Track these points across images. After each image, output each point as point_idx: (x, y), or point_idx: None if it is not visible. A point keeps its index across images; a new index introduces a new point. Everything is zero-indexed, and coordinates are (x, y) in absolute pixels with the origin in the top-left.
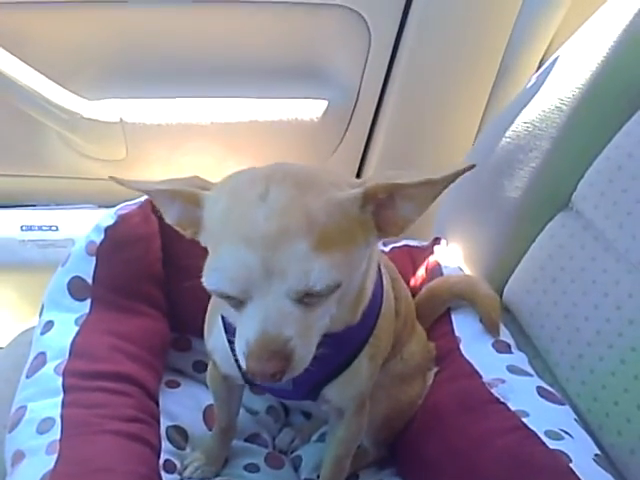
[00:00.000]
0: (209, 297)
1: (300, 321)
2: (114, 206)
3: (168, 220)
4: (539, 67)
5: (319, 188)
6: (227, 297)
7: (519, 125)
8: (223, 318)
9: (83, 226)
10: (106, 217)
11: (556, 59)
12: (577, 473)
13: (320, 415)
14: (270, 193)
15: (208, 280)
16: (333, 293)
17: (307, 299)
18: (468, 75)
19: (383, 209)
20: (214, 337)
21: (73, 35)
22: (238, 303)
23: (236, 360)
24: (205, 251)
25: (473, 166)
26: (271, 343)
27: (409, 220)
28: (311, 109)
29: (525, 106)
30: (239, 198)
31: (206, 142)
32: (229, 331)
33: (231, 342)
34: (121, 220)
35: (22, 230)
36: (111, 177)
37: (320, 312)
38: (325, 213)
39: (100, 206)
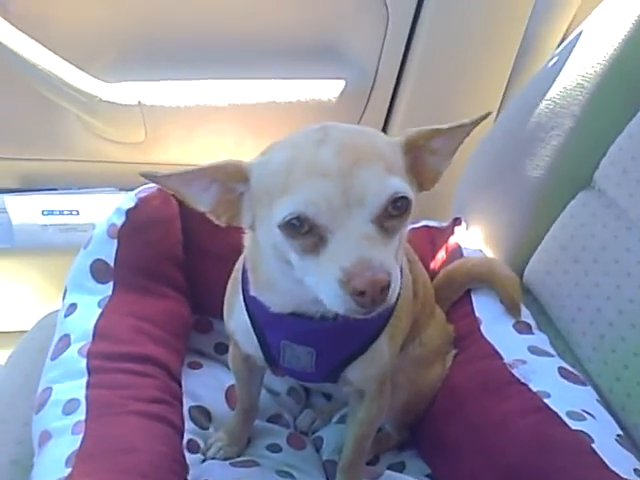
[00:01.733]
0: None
1: (385, 246)
2: (134, 189)
3: (202, 208)
4: (561, 43)
5: (370, 132)
6: (304, 234)
7: (541, 103)
8: (245, 298)
9: (104, 210)
10: (127, 200)
11: (579, 35)
12: (599, 453)
13: (341, 396)
14: (330, 136)
15: (284, 209)
16: (405, 216)
17: (386, 223)
18: (489, 52)
19: (416, 163)
20: (235, 317)
21: (92, 18)
22: (317, 241)
23: (258, 340)
24: (230, 234)
25: (489, 114)
26: (370, 261)
27: (438, 173)
28: (329, 89)
29: (547, 83)
30: (299, 146)
31: (224, 123)
32: (252, 312)
33: (254, 322)
34: (142, 202)
35: (43, 215)
36: (142, 173)
37: (396, 240)
38: (385, 147)
39: (120, 189)
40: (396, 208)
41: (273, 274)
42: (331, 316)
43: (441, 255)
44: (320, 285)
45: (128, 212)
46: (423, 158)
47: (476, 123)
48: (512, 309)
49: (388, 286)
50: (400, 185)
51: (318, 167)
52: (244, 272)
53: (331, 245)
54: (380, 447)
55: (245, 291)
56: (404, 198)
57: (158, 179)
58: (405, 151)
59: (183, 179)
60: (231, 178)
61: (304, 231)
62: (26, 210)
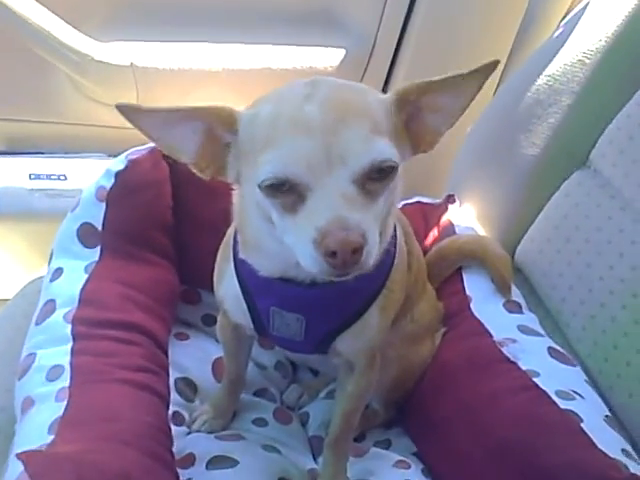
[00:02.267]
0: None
1: (365, 208)
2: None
3: (186, 158)
4: (564, 17)
5: (360, 89)
6: (284, 192)
7: (540, 79)
8: (236, 265)
9: (92, 176)
10: (117, 162)
11: (581, 10)
12: (588, 433)
13: (328, 372)
14: (318, 91)
15: (265, 170)
16: (389, 179)
17: (368, 185)
18: (490, 24)
19: (413, 121)
20: (225, 285)
21: None
22: (296, 199)
23: (248, 307)
24: (221, 200)
25: (496, 62)
26: (345, 223)
27: (438, 134)
28: (326, 57)
29: (547, 59)
30: (286, 100)
31: (218, 88)
32: (242, 278)
33: (244, 289)
34: (132, 165)
35: (30, 179)
36: (118, 105)
37: (378, 204)
38: (373, 105)
39: (110, 155)
40: (380, 171)
41: (259, 234)
42: (320, 281)
43: (433, 232)
44: (297, 245)
45: (117, 174)
46: (422, 116)
47: (480, 74)
48: (502, 288)
49: (361, 248)
50: (385, 149)
51: (302, 122)
52: (235, 235)
53: (309, 203)
54: (367, 424)
55: (235, 255)
56: (388, 162)
57: (136, 114)
58: (398, 108)
59: (168, 118)
60: (221, 123)
61: (284, 189)
62: (12, 174)
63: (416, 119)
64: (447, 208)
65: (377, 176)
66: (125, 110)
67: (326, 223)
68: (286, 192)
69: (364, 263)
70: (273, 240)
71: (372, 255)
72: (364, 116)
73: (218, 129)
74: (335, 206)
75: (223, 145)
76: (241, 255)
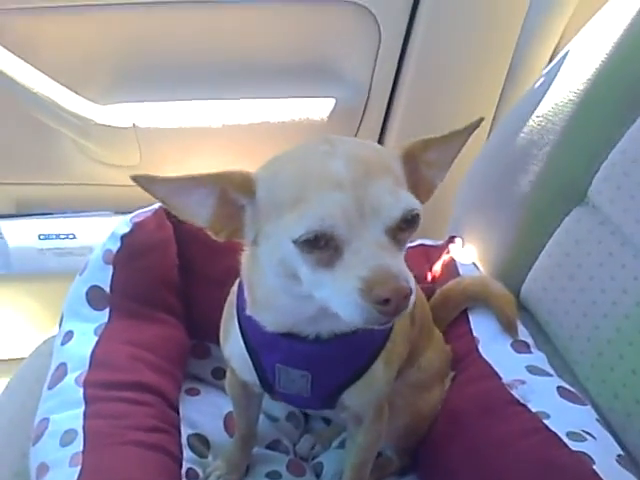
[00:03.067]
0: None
1: (398, 257)
2: (130, 211)
3: (201, 222)
4: (551, 60)
5: (370, 145)
6: (320, 248)
7: (532, 120)
8: (240, 322)
9: (100, 233)
10: (121, 225)
11: (567, 52)
12: (600, 475)
13: (340, 421)
14: (337, 148)
15: (300, 226)
16: (414, 227)
17: (398, 235)
18: (480, 70)
19: (412, 174)
20: (231, 343)
21: (84, 40)
22: (333, 253)
23: (254, 365)
24: (226, 257)
25: (482, 119)
26: (390, 272)
27: (433, 185)
28: (323, 108)
29: (537, 100)
30: (308, 158)
31: (219, 144)
32: (247, 336)
33: (249, 347)
34: (137, 227)
35: (40, 239)
36: (133, 177)
37: (404, 253)
38: (389, 160)
39: (116, 212)
40: (407, 221)
41: (272, 291)
42: (325, 337)
43: (436, 269)
44: (336, 297)
45: (123, 237)
46: (419, 170)
47: (469, 130)
48: (508, 328)
49: (411, 293)
50: (411, 199)
51: (331, 179)
52: (240, 293)
53: (347, 256)
54: (381, 472)
55: (240, 313)
56: (416, 211)
57: (151, 184)
58: (403, 163)
59: (182, 186)
60: (237, 188)
61: (321, 245)
62: (22, 235)
63: (414, 173)
64: (449, 249)
65: (405, 226)
66: (140, 181)
67: (371, 272)
68: (322, 248)
69: (410, 304)
70: (289, 296)
71: (414, 297)
72: (386, 170)
73: (232, 193)
74: (376, 255)
75: (238, 208)
76: (248, 312)
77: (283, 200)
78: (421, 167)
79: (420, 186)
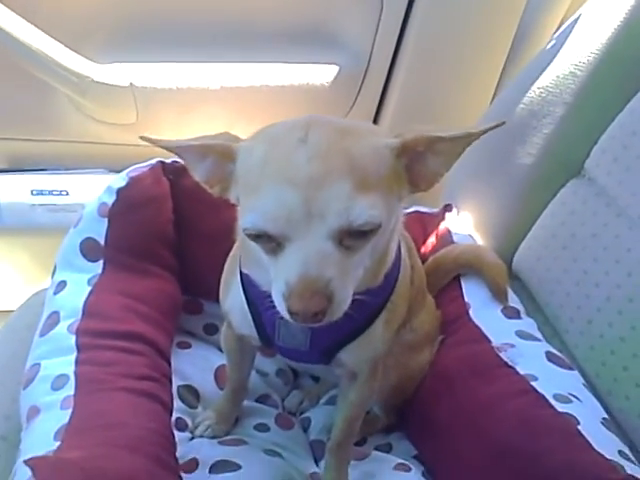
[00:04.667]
0: (222, 260)
1: (340, 264)
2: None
3: (197, 177)
4: (556, 31)
5: (358, 134)
6: (265, 239)
7: (533, 90)
8: (242, 277)
9: (93, 191)
10: (118, 179)
11: (572, 23)
12: (585, 435)
13: (329, 378)
14: (310, 136)
15: (247, 219)
16: (371, 236)
17: (347, 241)
18: (484, 38)
19: (414, 163)
20: (231, 298)
21: None
22: (275, 246)
23: (254, 319)
24: (221, 214)
25: (504, 123)
26: (312, 283)
27: (438, 174)
28: (322, 74)
29: (540, 71)
30: (279, 143)
31: (216, 107)
32: (248, 290)
33: (249, 301)
34: (133, 181)
35: (32, 194)
36: (142, 137)
37: (357, 258)
38: (365, 156)
39: (110, 171)
40: (359, 231)
41: (256, 252)
42: None
43: (431, 240)
44: (274, 288)
45: (119, 191)
46: (423, 159)
47: (482, 132)
48: (499, 295)
49: (323, 311)
50: (365, 211)
51: (288, 172)
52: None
53: (287, 252)
54: (368, 429)
55: (241, 268)
56: (367, 225)
57: (157, 142)
58: (401, 153)
59: (181, 151)
60: (223, 157)
61: (264, 239)
62: (15, 190)
63: (418, 161)
64: (445, 217)
65: (356, 234)
66: (147, 140)
67: (294, 280)
68: (266, 240)
69: (329, 319)
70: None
71: (341, 309)
72: (351, 171)
73: (222, 160)
74: (307, 261)
75: (228, 171)
76: (243, 269)
77: (248, 181)
78: (426, 155)
79: (423, 174)
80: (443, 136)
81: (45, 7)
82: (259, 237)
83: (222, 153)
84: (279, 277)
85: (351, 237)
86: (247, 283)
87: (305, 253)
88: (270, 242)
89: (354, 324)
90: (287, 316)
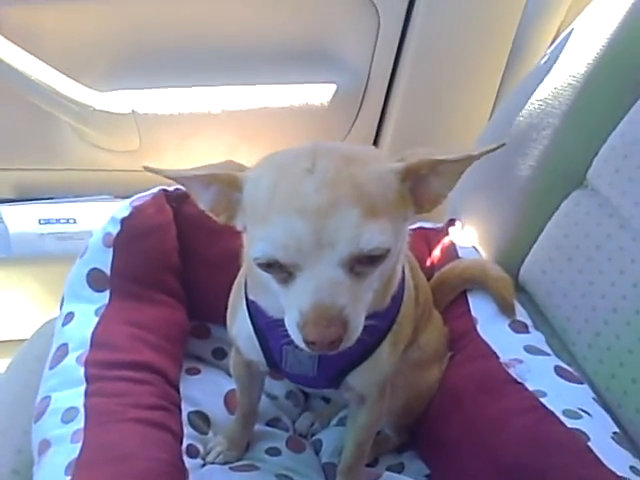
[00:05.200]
0: (227, 284)
1: (351, 290)
2: (130, 196)
3: (202, 206)
4: (552, 44)
5: (362, 160)
6: (276, 268)
7: (532, 103)
8: (248, 303)
9: (100, 218)
10: (121, 209)
11: (568, 35)
12: (595, 451)
13: (339, 400)
14: (317, 165)
15: (257, 249)
16: (380, 261)
17: (357, 268)
18: (480, 55)
19: (418, 186)
20: (238, 323)
21: (83, 27)
22: (287, 276)
23: (261, 345)
24: (225, 240)
25: (504, 144)
26: (327, 311)
27: (441, 195)
28: (321, 94)
29: (537, 84)
30: (285, 172)
31: (218, 130)
32: (254, 317)
33: (256, 327)
34: (136, 211)
35: (40, 223)
36: (145, 167)
37: (367, 284)
38: (371, 182)
39: (116, 197)
40: (370, 257)
41: (265, 279)
42: None
43: (436, 254)
44: (287, 317)
45: (123, 221)
46: (427, 181)
47: (483, 154)
48: (506, 309)
49: (339, 339)
50: (375, 237)
51: (297, 203)
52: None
53: (297, 282)
54: (379, 450)
55: (247, 295)
56: (377, 250)
57: (161, 172)
58: (404, 178)
59: (185, 181)
60: (229, 187)
61: (275, 268)
62: (23, 219)
63: (421, 184)
64: (448, 232)
65: (366, 261)
66: (151, 170)
67: (309, 308)
68: (277, 270)
69: (344, 346)
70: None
71: (355, 335)
72: (359, 198)
73: (227, 189)
74: (318, 291)
75: (234, 200)
76: (250, 296)
77: (256, 211)
78: (429, 178)
79: (427, 195)
80: (445, 159)
81: (45, 37)
82: (270, 266)
83: (228, 182)
84: (292, 306)
85: (361, 264)
86: (254, 310)
87: (317, 282)
88: (281, 272)
89: (361, 348)
90: (303, 345)
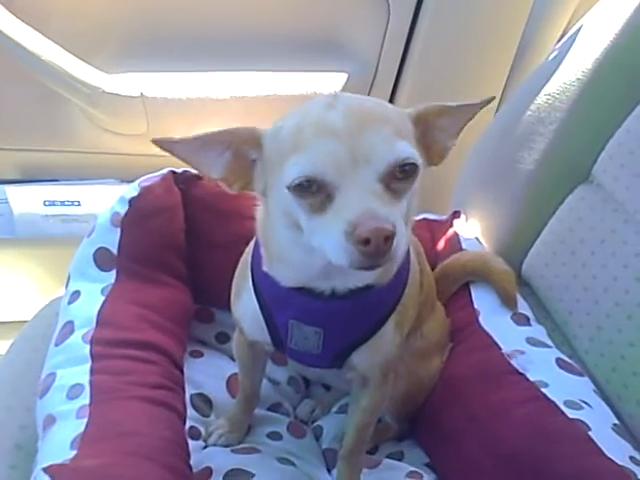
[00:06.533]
0: (233, 269)
1: (392, 205)
2: (135, 181)
3: (214, 175)
4: (561, 38)
5: (378, 100)
6: (314, 190)
7: (540, 97)
8: (254, 280)
9: (105, 201)
10: (130, 189)
11: (577, 30)
12: (595, 441)
13: (340, 387)
14: (339, 101)
15: (294, 171)
16: (412, 178)
17: (393, 184)
18: (488, 48)
19: (424, 137)
20: (243, 303)
21: (94, 9)
22: (324, 199)
23: (266, 320)
24: (232, 223)
25: (493, 98)
26: (375, 214)
27: (446, 147)
28: (330, 82)
29: (546, 78)
30: (308, 113)
31: (226, 116)
32: (261, 293)
33: (262, 305)
34: (145, 191)
35: (45, 205)
36: (154, 140)
37: (404, 205)
38: (393, 113)
39: (122, 181)
40: (403, 171)
41: (284, 244)
42: (341, 293)
43: (440, 245)
44: (326, 241)
45: (131, 201)
46: (431, 133)
47: (482, 104)
48: (508, 302)
49: (393, 236)
50: (407, 149)
51: (327, 127)
52: (255, 251)
53: (338, 201)
54: (380, 438)
55: (255, 270)
56: (412, 162)
57: (171, 145)
58: (414, 123)
59: (197, 144)
60: (245, 143)
61: (313, 190)
62: (27, 201)
63: (427, 135)
64: (453, 224)
65: (401, 176)
66: (161, 143)
67: (357, 215)
68: (314, 193)
69: (394, 253)
70: (299, 249)
71: (401, 247)
72: (385, 121)
73: (244, 148)
74: (364, 200)
75: (250, 161)
76: (264, 268)
77: (284, 150)
78: (433, 131)
79: (433, 148)
80: (450, 105)
81: (56, 18)
82: (306, 191)
83: (246, 139)
84: (336, 222)
85: (396, 180)
86: (262, 284)
87: (360, 193)
88: (318, 195)
89: (366, 326)
90: (352, 255)
